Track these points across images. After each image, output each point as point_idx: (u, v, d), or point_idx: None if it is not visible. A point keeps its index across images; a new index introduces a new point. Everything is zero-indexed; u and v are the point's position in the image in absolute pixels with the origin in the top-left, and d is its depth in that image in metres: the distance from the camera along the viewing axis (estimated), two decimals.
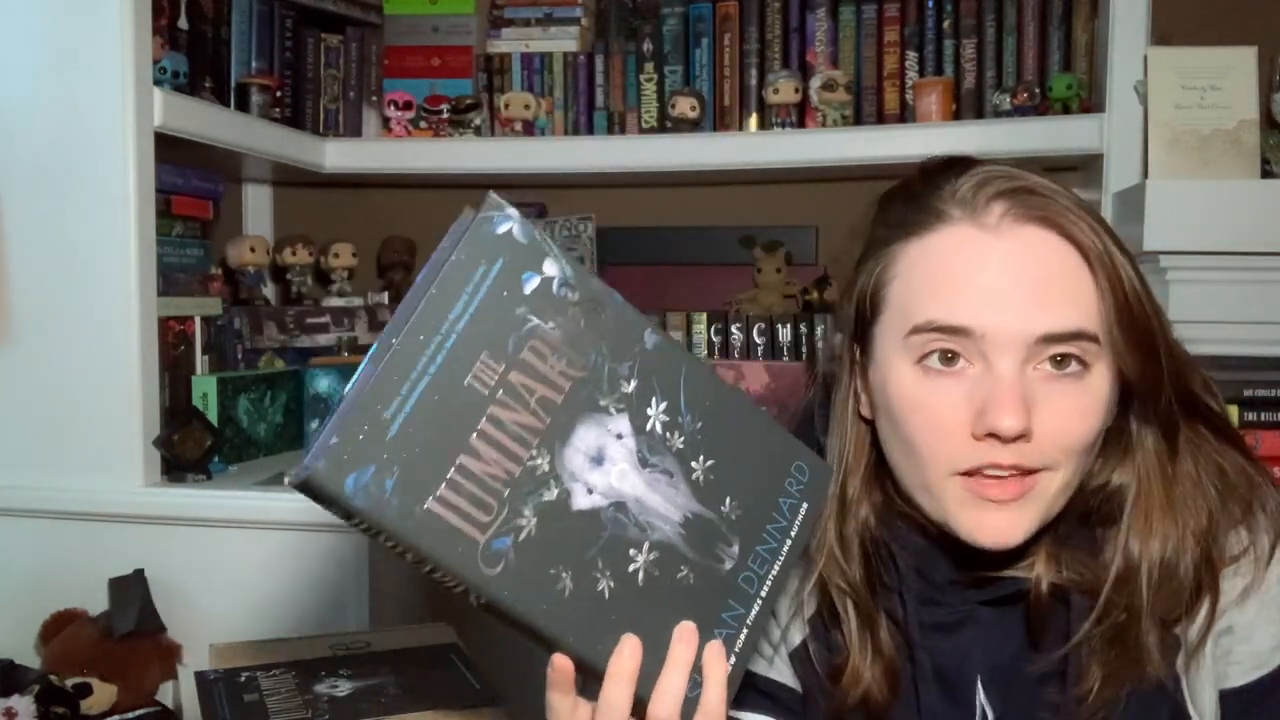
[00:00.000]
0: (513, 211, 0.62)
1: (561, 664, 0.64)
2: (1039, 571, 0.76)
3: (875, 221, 0.82)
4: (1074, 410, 0.72)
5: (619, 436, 0.65)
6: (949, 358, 0.73)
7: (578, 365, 0.63)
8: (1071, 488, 0.75)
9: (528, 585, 0.62)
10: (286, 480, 0.61)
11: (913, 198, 0.79)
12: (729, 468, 0.69)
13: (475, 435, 0.60)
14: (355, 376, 0.60)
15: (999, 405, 0.70)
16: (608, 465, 0.64)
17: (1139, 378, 0.73)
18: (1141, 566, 0.74)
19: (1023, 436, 0.71)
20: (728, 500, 0.69)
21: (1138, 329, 0.72)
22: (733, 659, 0.70)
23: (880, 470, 0.82)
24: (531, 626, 0.62)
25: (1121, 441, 0.78)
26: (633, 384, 0.65)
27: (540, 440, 0.62)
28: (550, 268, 0.63)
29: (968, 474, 0.73)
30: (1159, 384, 0.74)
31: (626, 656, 0.64)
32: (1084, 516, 0.78)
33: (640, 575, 0.66)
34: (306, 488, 0.57)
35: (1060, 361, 0.72)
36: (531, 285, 0.62)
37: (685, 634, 0.67)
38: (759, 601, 0.71)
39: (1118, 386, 0.74)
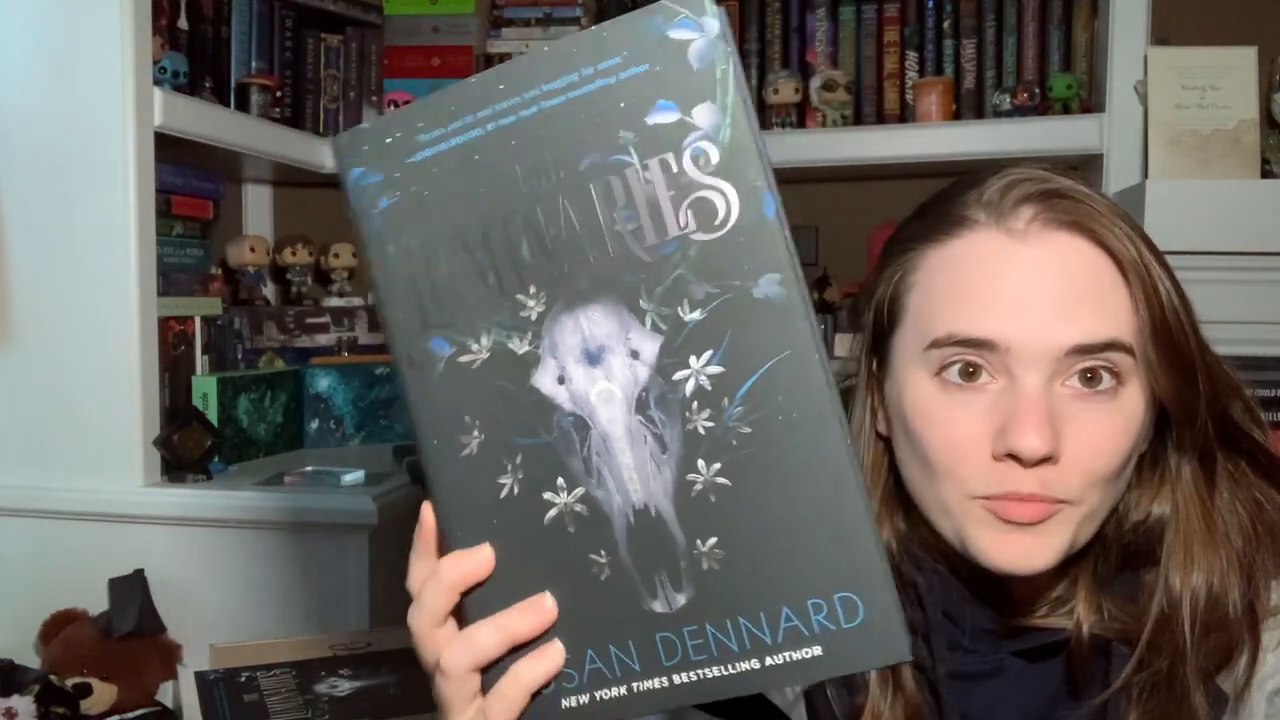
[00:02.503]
0: (711, 23, 0.47)
1: (426, 518, 0.56)
2: (1079, 617, 0.70)
3: (901, 227, 0.75)
4: (1105, 432, 0.66)
5: (634, 354, 0.50)
6: (970, 371, 0.67)
7: (645, 241, 0.49)
8: (1100, 516, 0.69)
9: (435, 408, 0.52)
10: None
11: (939, 202, 0.73)
12: (745, 509, 0.50)
13: (484, 221, 0.50)
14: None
15: (1021, 424, 0.64)
16: (598, 373, 0.50)
17: (1173, 399, 0.67)
18: (1183, 603, 0.68)
19: (1048, 459, 0.65)
20: (711, 541, 0.50)
21: (1174, 345, 0.66)
22: (570, 701, 0.53)
23: (900, 494, 0.75)
24: (418, 445, 0.53)
25: (1158, 470, 0.72)
26: (695, 314, 0.49)
27: (547, 284, 0.50)
28: (704, 115, 0.47)
29: (987, 497, 0.67)
30: (1194, 407, 0.68)
31: (464, 565, 0.53)
32: (1125, 558, 0.72)
33: (551, 512, 0.52)
34: (332, 147, 0.53)
35: (1091, 378, 0.66)
36: (660, 118, 0.48)
37: (538, 607, 0.53)
38: (663, 681, 0.52)
39: (1153, 408, 0.68)
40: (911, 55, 1.93)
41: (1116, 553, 0.72)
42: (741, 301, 0.48)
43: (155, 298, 1.51)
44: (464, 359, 0.52)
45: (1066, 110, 1.80)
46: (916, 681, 0.74)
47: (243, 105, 1.81)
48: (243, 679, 1.05)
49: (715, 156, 0.48)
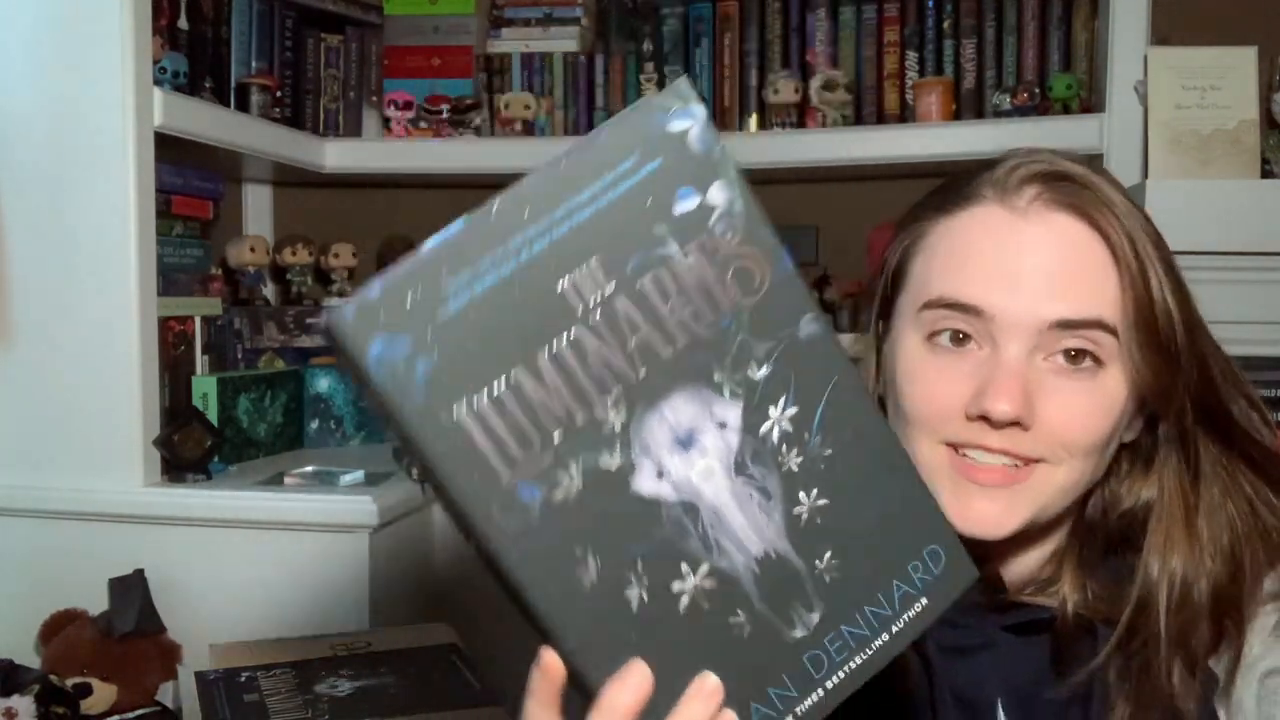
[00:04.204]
0: (699, 110, 0.50)
1: (551, 665, 0.52)
2: (1064, 596, 0.73)
3: (918, 202, 0.79)
4: (1081, 406, 0.69)
5: (721, 425, 0.52)
6: (959, 338, 0.71)
7: (705, 321, 0.51)
8: (1073, 491, 0.72)
9: (542, 556, 0.50)
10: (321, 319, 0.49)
11: (955, 180, 0.77)
12: (845, 517, 0.55)
13: (546, 354, 0.49)
14: (443, 230, 0.47)
15: (995, 388, 0.68)
16: (694, 454, 0.52)
17: (1150, 383, 0.69)
18: (1160, 588, 0.70)
19: (1018, 424, 0.68)
20: (827, 555, 0.55)
21: (1156, 332, 0.69)
22: None
23: None
24: (529, 604, 0.50)
25: (1147, 458, 0.75)
26: (764, 370, 0.53)
27: (623, 392, 0.50)
28: (718, 194, 0.51)
29: (956, 448, 0.71)
30: (1171, 393, 0.70)
31: (629, 688, 0.51)
32: (1112, 544, 0.74)
33: (684, 600, 0.52)
34: (329, 334, 0.47)
35: (1074, 356, 0.69)
36: (685, 206, 0.50)
37: (705, 690, 0.53)
38: (820, 692, 0.55)
39: (1137, 394, 0.71)
40: (911, 55, 1.93)
41: (1103, 539, 0.74)
42: (794, 346, 0.53)
43: (155, 298, 1.51)
44: (559, 496, 0.50)
45: (1066, 110, 1.80)
46: (910, 659, 0.75)
47: (243, 105, 1.81)
48: (243, 679, 1.05)
49: (738, 227, 0.51)
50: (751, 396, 0.52)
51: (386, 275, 0.46)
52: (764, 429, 0.53)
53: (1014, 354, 0.68)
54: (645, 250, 0.50)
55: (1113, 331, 0.69)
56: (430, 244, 0.47)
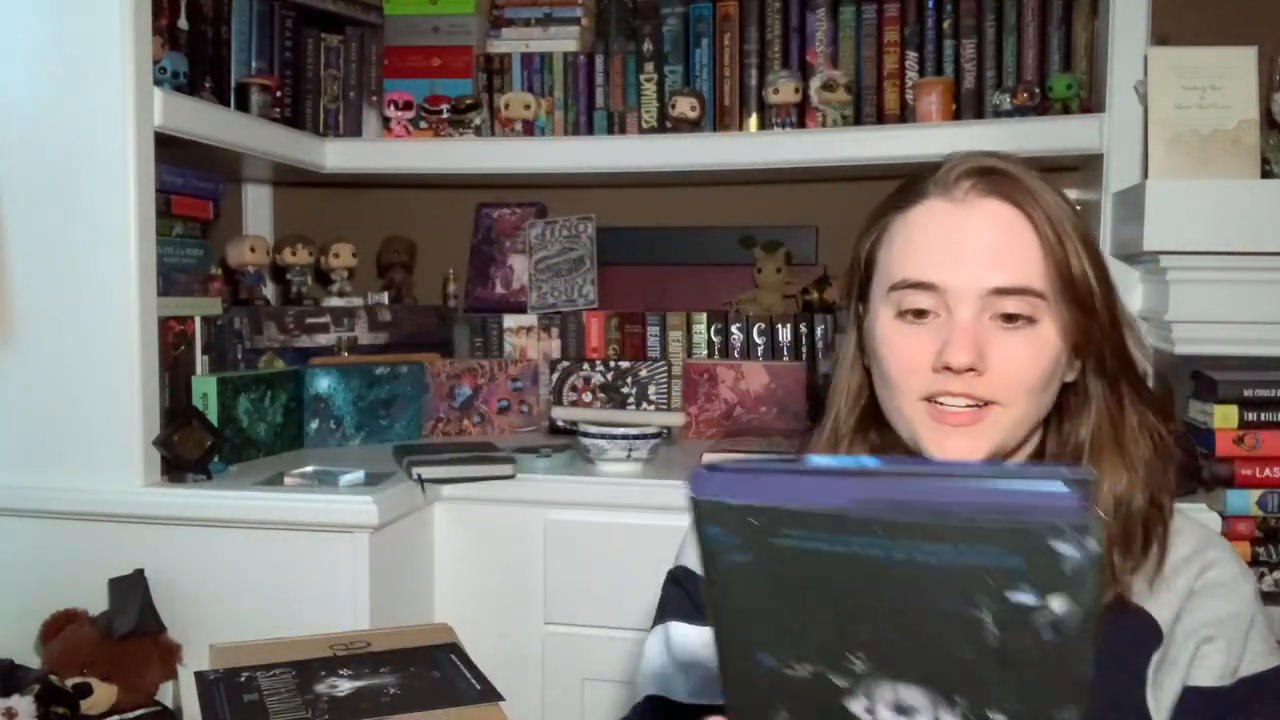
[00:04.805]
0: (1094, 547, 0.48)
1: None
2: None
3: (879, 202, 0.94)
4: (1022, 353, 0.84)
5: None
6: (921, 311, 0.85)
7: (975, 665, 0.53)
8: (1025, 424, 0.86)
9: (750, 696, 0.59)
10: (687, 485, 0.56)
11: (908, 182, 0.92)
12: None
13: (830, 602, 0.55)
14: (812, 460, 0.54)
15: (952, 344, 0.83)
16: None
17: (1077, 332, 0.85)
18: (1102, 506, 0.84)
19: (973, 371, 0.83)
20: None
21: (1075, 290, 0.84)
22: None
23: (875, 413, 0.93)
24: (731, 709, 0.60)
25: (1082, 398, 0.90)
26: (1002, 718, 0.54)
27: (875, 657, 0.55)
28: (1060, 605, 0.50)
29: (930, 401, 0.85)
30: (1092, 338, 0.86)
31: None
32: None
33: None
34: (691, 500, 0.56)
35: (1012, 314, 0.83)
36: (1019, 599, 0.50)
37: None
38: None
39: (1069, 343, 0.85)
40: (911, 55, 1.93)
41: None
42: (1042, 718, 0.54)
43: (155, 298, 1.51)
44: (785, 672, 0.57)
45: (1066, 110, 1.80)
46: None
47: (243, 105, 1.81)
48: (243, 679, 1.04)
49: (1058, 632, 0.51)
50: None
51: (748, 487, 0.54)
52: None
53: (965, 316, 0.84)
54: (957, 605, 0.51)
55: (1041, 294, 0.83)
56: (791, 481, 0.53)
